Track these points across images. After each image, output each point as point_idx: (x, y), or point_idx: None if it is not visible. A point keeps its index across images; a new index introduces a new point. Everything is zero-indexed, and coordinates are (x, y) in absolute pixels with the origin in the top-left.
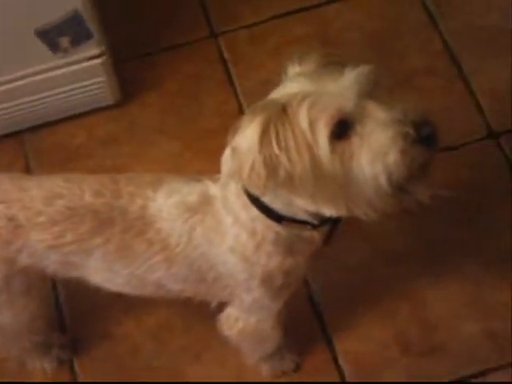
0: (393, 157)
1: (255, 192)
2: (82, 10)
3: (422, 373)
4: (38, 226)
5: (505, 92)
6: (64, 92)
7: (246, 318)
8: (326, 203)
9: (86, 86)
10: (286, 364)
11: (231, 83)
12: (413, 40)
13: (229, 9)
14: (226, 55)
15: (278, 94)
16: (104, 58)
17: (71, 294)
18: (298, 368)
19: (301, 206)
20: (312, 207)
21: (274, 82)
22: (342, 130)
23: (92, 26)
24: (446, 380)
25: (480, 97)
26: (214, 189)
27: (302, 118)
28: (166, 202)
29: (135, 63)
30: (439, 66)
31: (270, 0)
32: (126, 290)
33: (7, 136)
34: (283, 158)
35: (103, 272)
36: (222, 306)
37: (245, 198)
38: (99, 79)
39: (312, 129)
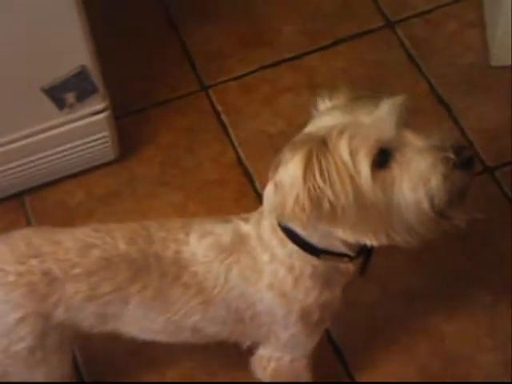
0: (435, 182)
1: (297, 226)
2: (89, 65)
3: None
4: (73, 277)
5: (494, 127)
6: (67, 149)
7: (278, 358)
8: (366, 233)
9: (89, 142)
10: None
11: (226, 134)
12: (398, 83)
13: (216, 62)
14: (219, 107)
15: (314, 127)
16: (108, 112)
17: (89, 358)
18: None
19: (341, 237)
20: (352, 238)
21: (267, 130)
22: (383, 159)
23: (97, 80)
24: None
25: (470, 134)
26: (246, 227)
27: (343, 150)
28: (200, 245)
29: (129, 119)
30: (427, 106)
31: (257, 52)
32: (162, 337)
33: (8, 198)
34: (327, 190)
35: (140, 320)
36: (250, 351)
37: (281, 234)
38: (103, 134)
39: (353, 159)
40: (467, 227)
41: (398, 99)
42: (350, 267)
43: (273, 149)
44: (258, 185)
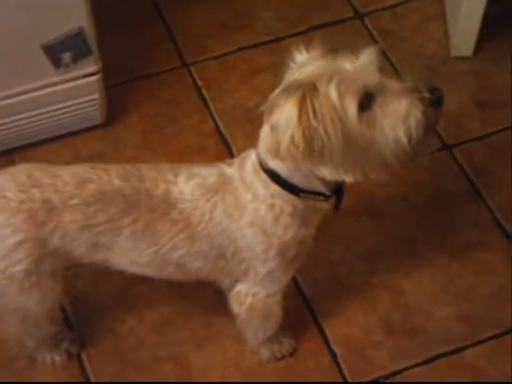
0: (414, 119)
1: (289, 164)
2: (87, 27)
3: (404, 351)
4: (71, 207)
5: (453, 110)
6: (58, 109)
7: (255, 293)
8: (346, 170)
9: (79, 104)
10: (284, 348)
11: (206, 106)
12: None
13: (197, 42)
14: (199, 82)
15: (302, 75)
16: (99, 75)
17: (73, 299)
18: (294, 351)
19: (322, 176)
20: (332, 176)
21: (245, 104)
22: (366, 101)
23: (93, 43)
24: (426, 357)
25: None
26: (229, 170)
27: (333, 93)
28: (187, 185)
29: (115, 89)
30: None
31: (236, 34)
32: (148, 270)
33: None
34: (319, 129)
35: (129, 252)
36: (226, 296)
37: (263, 176)
38: (93, 96)
39: (341, 102)
40: (426, 197)
41: (376, 49)
42: (324, 206)
43: (249, 121)
44: (235, 152)
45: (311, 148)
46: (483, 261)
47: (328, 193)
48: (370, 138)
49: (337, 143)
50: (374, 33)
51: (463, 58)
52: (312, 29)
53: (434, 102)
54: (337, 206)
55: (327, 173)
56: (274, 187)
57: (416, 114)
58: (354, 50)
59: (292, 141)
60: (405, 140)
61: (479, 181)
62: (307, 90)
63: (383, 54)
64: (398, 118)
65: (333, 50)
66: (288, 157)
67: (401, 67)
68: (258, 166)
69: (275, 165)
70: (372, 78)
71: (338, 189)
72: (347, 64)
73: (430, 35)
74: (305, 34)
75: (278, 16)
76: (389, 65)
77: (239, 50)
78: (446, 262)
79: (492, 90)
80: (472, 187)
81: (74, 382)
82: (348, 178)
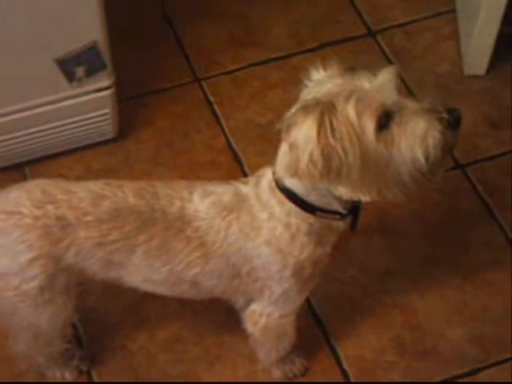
0: (432, 139)
1: (307, 183)
2: (101, 41)
3: (417, 373)
4: (85, 224)
5: (466, 129)
6: (70, 123)
7: (269, 314)
8: (362, 190)
9: (91, 118)
10: (296, 367)
11: (218, 122)
12: None
13: (209, 57)
14: (211, 97)
15: (319, 93)
16: (112, 89)
17: (85, 317)
18: (306, 371)
19: (338, 195)
20: (349, 195)
21: (257, 120)
22: (384, 121)
23: (106, 57)
24: (439, 379)
25: None
26: (245, 188)
27: (351, 112)
28: (202, 203)
29: (126, 104)
30: None
31: (248, 50)
32: (162, 288)
33: (9, 168)
34: (338, 148)
35: (143, 269)
36: (238, 315)
37: (279, 194)
38: (105, 111)
39: (360, 121)
40: (440, 216)
41: (394, 68)
42: (340, 225)
43: (261, 137)
44: (246, 168)
45: (329, 166)
46: (496, 282)
47: (344, 212)
48: (388, 157)
49: (354, 162)
50: (387, 50)
51: (476, 77)
52: (323, 46)
53: (452, 122)
54: (353, 226)
55: (344, 192)
56: (290, 206)
57: (434, 134)
58: (371, 68)
59: (311, 159)
60: (422, 160)
61: (492, 200)
62: (325, 108)
63: (399, 73)
64: (416, 138)
65: (350, 69)
66: (306, 175)
67: (414, 85)
68: (274, 185)
69: (292, 183)
70: (390, 97)
71: (354, 208)
72: (365, 82)
73: (443, 54)
74: (316, 51)
75: (289, 32)
76: (402, 83)
77: (250, 65)
78: (459, 282)
79: (505, 109)
80: (485, 207)
81: (78, 382)
82: (364, 198)
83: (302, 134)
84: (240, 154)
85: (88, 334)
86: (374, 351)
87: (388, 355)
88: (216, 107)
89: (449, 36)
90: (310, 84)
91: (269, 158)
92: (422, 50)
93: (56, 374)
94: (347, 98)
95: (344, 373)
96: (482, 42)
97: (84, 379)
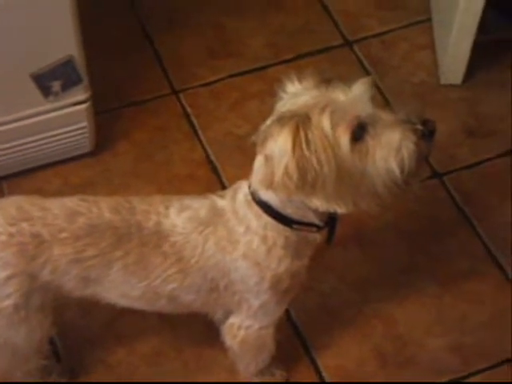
0: (406, 151)
1: (282, 195)
2: (77, 55)
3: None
4: (61, 241)
5: (443, 139)
6: (47, 137)
7: (248, 326)
8: (337, 201)
9: (68, 132)
10: (276, 379)
11: (196, 134)
12: None
13: (187, 69)
14: (189, 109)
15: (294, 105)
16: (89, 103)
17: (62, 330)
18: (286, 382)
19: (314, 207)
20: (324, 207)
21: (235, 132)
22: (359, 132)
23: (82, 71)
24: None
25: None
26: (222, 202)
27: (326, 124)
28: (179, 217)
29: (104, 117)
30: None
31: (225, 61)
32: (139, 304)
33: None
34: (313, 160)
35: (120, 285)
36: (217, 329)
37: (256, 208)
38: (82, 124)
39: (334, 133)
40: (417, 226)
41: (369, 80)
42: (317, 237)
43: (240, 149)
44: (225, 181)
45: (304, 179)
46: (475, 290)
47: (321, 224)
48: (362, 168)
49: (329, 174)
50: (364, 60)
51: (452, 86)
52: (300, 56)
53: (426, 133)
54: (329, 238)
55: (319, 204)
56: (267, 219)
57: (408, 145)
58: (346, 79)
59: (286, 171)
60: (397, 171)
61: (469, 209)
62: (300, 121)
63: (374, 83)
64: (390, 149)
65: (326, 81)
66: (281, 188)
67: (390, 95)
68: (250, 198)
69: (268, 196)
70: (365, 108)
71: (330, 220)
72: (340, 94)
73: (420, 63)
74: (293, 62)
75: (266, 43)
76: (378, 93)
77: (229, 77)
78: (437, 291)
79: (481, 117)
80: (462, 216)
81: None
82: (340, 209)
83: (278, 146)
84: (218, 167)
85: (66, 348)
86: (355, 362)
87: (368, 366)
88: (194, 119)
89: (425, 45)
90: (285, 96)
91: (247, 169)
92: (398, 59)
93: None
94: (322, 110)
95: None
96: (457, 50)
97: None
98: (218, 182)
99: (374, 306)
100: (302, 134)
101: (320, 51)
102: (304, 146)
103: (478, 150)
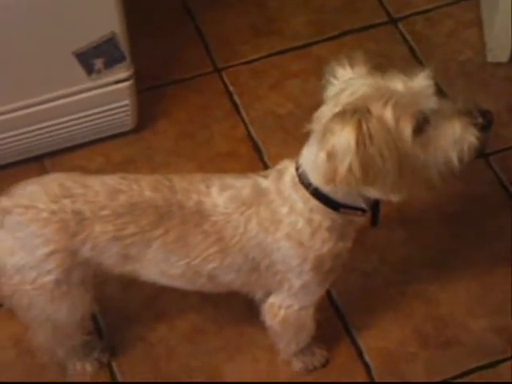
0: (468, 143)
1: (344, 188)
2: (119, 32)
3: (439, 364)
4: (102, 218)
5: None
6: (89, 115)
7: (288, 306)
8: (394, 191)
9: (111, 110)
10: (317, 359)
11: (238, 112)
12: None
13: (228, 47)
14: (231, 88)
15: (351, 96)
16: (132, 81)
17: (104, 308)
18: (327, 363)
19: (370, 196)
20: (379, 196)
21: (277, 111)
22: (421, 125)
23: (125, 49)
24: (462, 370)
25: None
26: (265, 182)
27: (389, 118)
28: (220, 197)
29: (145, 95)
30: None
31: (267, 39)
32: (179, 282)
33: (28, 160)
34: (376, 155)
35: (159, 264)
36: (258, 307)
37: (303, 191)
38: (125, 102)
39: (397, 126)
40: (461, 207)
41: (430, 71)
42: (361, 220)
43: (281, 128)
44: (266, 159)
45: (367, 174)
46: None
47: (367, 208)
48: (423, 159)
49: (392, 167)
50: (408, 38)
51: (499, 64)
52: (343, 34)
53: (485, 126)
54: (374, 220)
55: (376, 194)
56: (314, 202)
57: (470, 139)
58: (389, 57)
59: (349, 169)
60: (456, 162)
61: None
62: (363, 116)
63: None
64: (452, 142)
65: (377, 67)
66: (344, 183)
67: (436, 74)
68: (297, 180)
69: (317, 181)
70: (429, 103)
71: (375, 202)
72: (399, 85)
73: (465, 40)
74: (336, 40)
75: (308, 21)
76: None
77: (270, 55)
78: (480, 273)
79: None
80: (508, 196)
81: (78, 382)
82: (395, 198)
83: (341, 143)
84: (260, 144)
85: (107, 325)
86: (396, 343)
87: (410, 347)
88: (236, 97)
89: (471, 23)
90: (335, 82)
91: (289, 148)
92: (443, 37)
93: (77, 365)
94: (385, 104)
95: (365, 364)
96: (504, 28)
97: (104, 371)
98: (259, 161)
99: (415, 287)
100: (364, 129)
101: (363, 29)
102: (367, 141)
103: None
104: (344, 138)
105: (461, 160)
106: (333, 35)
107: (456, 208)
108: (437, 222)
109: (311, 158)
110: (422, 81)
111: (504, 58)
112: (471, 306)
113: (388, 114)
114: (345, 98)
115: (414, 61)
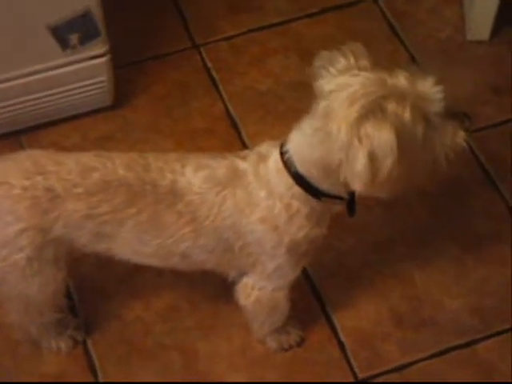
0: (458, 146)
1: (322, 173)
2: (94, 7)
3: (414, 344)
4: (74, 196)
5: (468, 97)
6: (65, 91)
7: (261, 287)
8: (392, 189)
9: (87, 86)
10: (292, 338)
11: (216, 88)
12: (380, 51)
13: (207, 23)
14: (209, 64)
15: (364, 89)
16: (108, 56)
17: (78, 285)
18: (302, 342)
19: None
20: (374, 194)
21: (256, 87)
22: (427, 125)
23: (100, 24)
24: (437, 349)
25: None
26: (243, 164)
27: (407, 118)
28: (196, 176)
29: (123, 70)
30: None
31: (247, 15)
32: (152, 261)
33: (4, 136)
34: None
35: (133, 242)
36: (233, 285)
37: (287, 177)
38: (101, 78)
39: (413, 127)
40: (438, 187)
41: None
42: (338, 208)
43: (260, 104)
44: (244, 136)
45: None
46: (496, 252)
47: (346, 196)
48: (423, 159)
49: (409, 167)
50: (388, 15)
51: (479, 43)
52: (324, 11)
53: (469, 129)
54: (351, 210)
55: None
56: (297, 189)
57: (460, 142)
58: (370, 34)
59: (391, 171)
60: (445, 163)
61: (493, 169)
62: (391, 116)
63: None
64: (445, 145)
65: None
66: (383, 185)
67: (415, 51)
68: (281, 166)
69: (305, 170)
70: (436, 106)
71: (352, 192)
72: (412, 86)
73: (446, 18)
74: (317, 16)
75: None
76: (403, 48)
77: (250, 31)
78: (458, 253)
79: (508, 75)
80: (486, 176)
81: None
82: (385, 195)
83: (381, 145)
84: (238, 122)
85: (82, 302)
86: (371, 322)
87: (385, 326)
88: (214, 73)
89: (451, 0)
90: (334, 72)
91: (267, 126)
92: (424, 14)
93: (51, 343)
94: (403, 104)
95: (340, 343)
96: (484, 6)
97: (79, 349)
98: (237, 138)
99: (392, 267)
100: (401, 131)
101: (344, 6)
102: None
103: (504, 109)
104: (383, 139)
105: (449, 161)
106: (313, 12)
107: (435, 188)
108: (415, 202)
109: (304, 148)
110: (432, 84)
111: (484, 37)
112: (448, 285)
113: (407, 115)
114: (361, 96)
115: (393, 38)
